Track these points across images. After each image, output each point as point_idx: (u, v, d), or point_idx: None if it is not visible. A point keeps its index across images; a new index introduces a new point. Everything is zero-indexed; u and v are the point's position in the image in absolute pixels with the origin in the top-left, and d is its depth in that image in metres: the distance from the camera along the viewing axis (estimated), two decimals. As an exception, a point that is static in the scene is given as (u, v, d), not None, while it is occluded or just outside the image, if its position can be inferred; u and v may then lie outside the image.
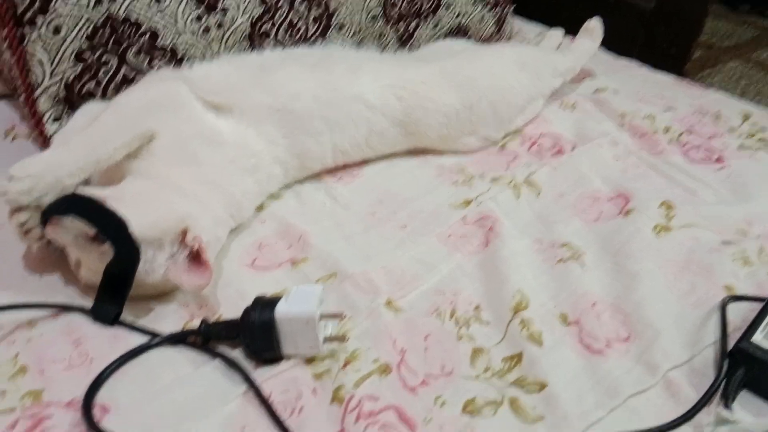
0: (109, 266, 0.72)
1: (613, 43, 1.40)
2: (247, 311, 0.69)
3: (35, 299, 0.75)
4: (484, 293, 0.80)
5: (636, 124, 1.14)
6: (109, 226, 0.71)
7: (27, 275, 0.79)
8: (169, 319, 0.75)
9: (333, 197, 0.98)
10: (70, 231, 0.72)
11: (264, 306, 0.68)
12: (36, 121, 0.91)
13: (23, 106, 0.95)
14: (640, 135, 1.12)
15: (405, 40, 1.27)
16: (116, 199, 0.74)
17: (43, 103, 0.90)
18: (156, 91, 0.90)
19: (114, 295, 0.73)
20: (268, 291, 0.78)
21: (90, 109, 0.90)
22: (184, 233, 0.75)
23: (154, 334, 0.72)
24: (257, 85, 0.95)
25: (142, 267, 0.73)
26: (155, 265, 0.74)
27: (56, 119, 0.93)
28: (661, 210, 0.92)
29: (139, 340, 0.71)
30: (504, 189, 0.99)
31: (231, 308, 0.76)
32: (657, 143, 1.08)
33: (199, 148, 0.87)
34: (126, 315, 0.74)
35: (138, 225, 0.72)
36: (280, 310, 0.67)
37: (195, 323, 0.73)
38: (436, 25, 1.30)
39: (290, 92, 0.96)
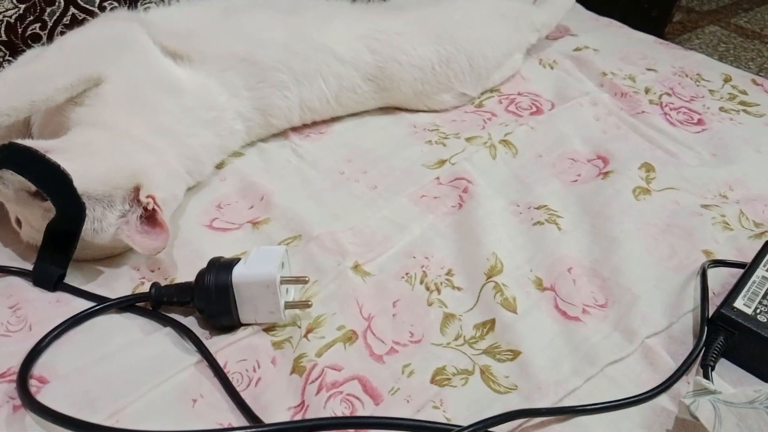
0: (51, 224, 0.66)
1: (595, 2, 1.35)
2: (202, 274, 0.64)
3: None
4: (457, 257, 0.75)
5: (617, 83, 1.10)
6: (50, 182, 0.64)
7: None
8: (118, 282, 0.70)
9: (299, 155, 0.93)
10: (8, 185, 0.66)
11: (220, 268, 0.63)
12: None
13: None
14: (621, 95, 1.08)
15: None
16: (61, 150, 0.68)
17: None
18: (107, 30, 0.83)
19: (57, 256, 0.68)
20: (227, 253, 0.73)
21: (35, 54, 0.83)
22: (137, 190, 0.70)
23: (100, 299, 0.66)
24: (221, 30, 0.89)
25: (89, 226, 0.67)
26: (104, 225, 0.68)
27: (-3, 65, 0.86)
28: (641, 172, 0.89)
29: (85, 305, 0.66)
30: (480, 149, 0.94)
31: (186, 271, 0.71)
32: (638, 104, 1.04)
33: (154, 95, 0.81)
34: (71, 278, 0.69)
35: (84, 179, 0.66)
36: (238, 273, 0.62)
37: (146, 287, 0.68)
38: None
39: (256, 40, 0.90)
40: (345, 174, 0.89)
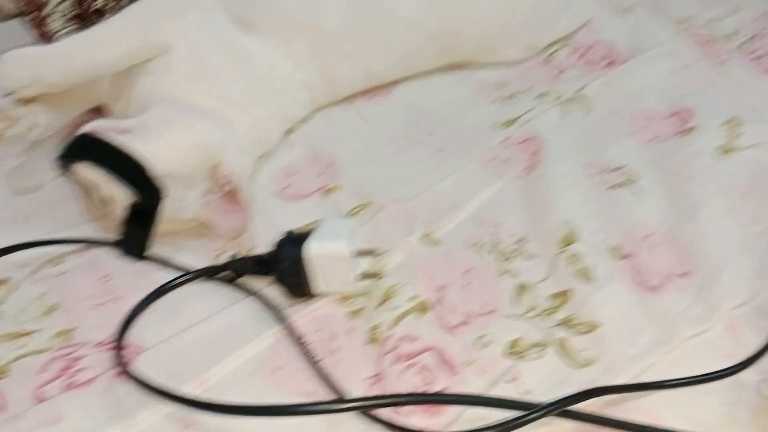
0: (132, 206, 0.68)
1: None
2: (278, 246, 0.65)
3: (59, 234, 0.72)
4: (528, 223, 0.74)
5: (696, 32, 1.03)
6: (127, 172, 0.66)
7: (48, 208, 0.76)
8: (198, 252, 0.72)
9: (364, 118, 0.92)
10: (91, 174, 0.68)
11: (293, 241, 0.65)
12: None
13: (32, 26, 0.89)
14: (701, 44, 1.01)
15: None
16: (139, 132, 0.69)
17: (54, 22, 0.84)
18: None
19: (140, 230, 0.70)
20: (300, 221, 0.75)
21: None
22: (215, 168, 0.71)
23: (182, 270, 0.68)
24: None
25: (171, 205, 0.69)
26: (186, 204, 0.70)
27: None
28: (723, 129, 0.84)
29: (167, 276, 0.68)
30: (551, 106, 0.91)
31: (263, 242, 0.72)
32: (719, 53, 0.98)
33: (222, 63, 0.81)
34: (153, 249, 0.71)
35: (165, 162, 0.68)
36: (309, 247, 0.63)
37: (224, 259, 0.70)
38: None
39: (317, 6, 0.88)
40: (410, 137, 0.88)
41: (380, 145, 0.87)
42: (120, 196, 0.68)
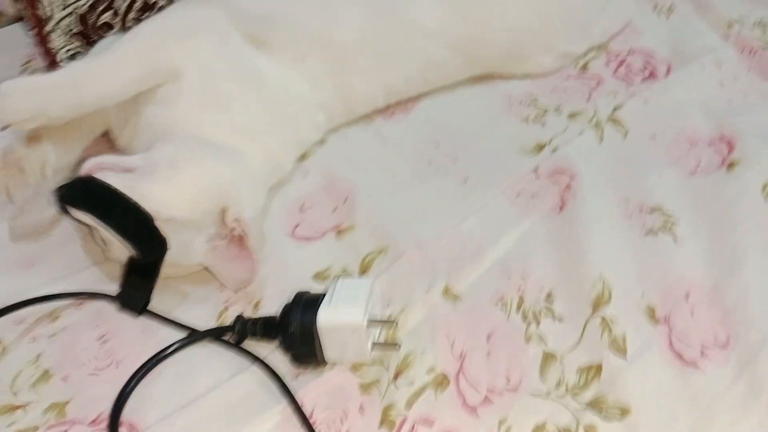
0: (132, 258, 0.64)
1: None
2: (287, 312, 0.61)
3: (61, 280, 0.69)
4: (558, 274, 0.69)
5: (745, 35, 0.95)
6: (129, 223, 0.62)
7: (52, 251, 0.72)
8: (203, 307, 0.67)
9: (383, 138, 0.86)
10: (89, 221, 0.64)
11: (305, 308, 0.60)
12: (50, 61, 0.80)
13: (35, 43, 0.83)
14: (750, 51, 0.93)
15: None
16: (146, 171, 0.65)
17: (56, 39, 0.78)
18: (183, 18, 0.76)
19: (141, 283, 0.66)
20: (312, 266, 0.70)
21: (108, 44, 0.78)
22: (224, 212, 0.66)
23: (185, 329, 0.65)
24: (298, 7, 0.81)
25: (177, 251, 0.65)
26: (192, 249, 0.66)
27: (72, 57, 0.81)
28: (773, 161, 0.77)
29: (170, 334, 0.64)
30: (584, 129, 0.85)
31: (272, 292, 0.68)
32: (772, 62, 0.90)
33: (234, 89, 0.75)
34: (155, 299, 0.67)
35: (172, 207, 0.64)
36: (324, 316, 0.59)
37: (231, 312, 0.66)
38: None
39: (332, 19, 0.81)
40: (432, 164, 0.82)
41: (401, 172, 0.81)
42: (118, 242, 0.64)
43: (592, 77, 0.93)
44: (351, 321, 0.58)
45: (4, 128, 0.73)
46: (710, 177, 0.77)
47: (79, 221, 0.65)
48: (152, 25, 0.75)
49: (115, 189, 0.61)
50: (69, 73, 0.70)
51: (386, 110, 0.89)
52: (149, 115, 0.72)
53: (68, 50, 0.80)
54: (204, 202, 0.65)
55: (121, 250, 0.65)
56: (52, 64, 0.80)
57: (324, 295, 0.61)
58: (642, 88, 0.89)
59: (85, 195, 0.63)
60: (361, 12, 0.82)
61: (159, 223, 0.63)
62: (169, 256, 0.64)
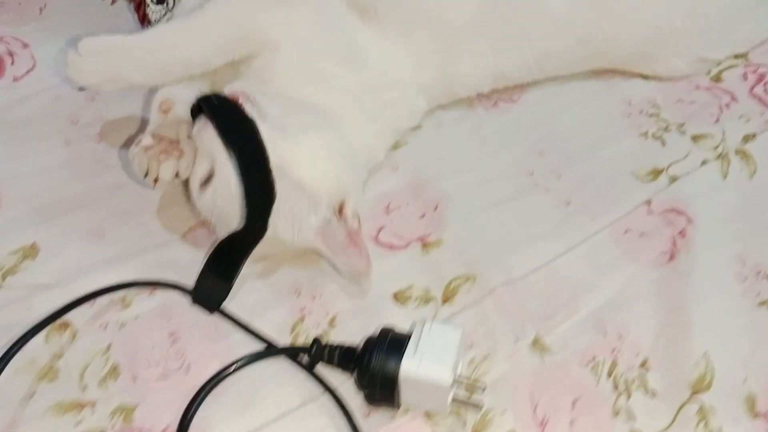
0: (225, 241, 0.61)
1: None
2: (369, 348, 0.57)
3: (128, 258, 0.66)
4: (658, 340, 0.63)
5: None
6: (251, 167, 0.59)
7: (117, 223, 0.69)
8: (277, 311, 0.64)
9: (481, 136, 0.79)
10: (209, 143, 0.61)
11: (390, 349, 0.56)
12: (137, 3, 0.72)
13: (133, 7, 0.76)
14: None
15: None
16: (278, 127, 0.61)
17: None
18: None
19: (219, 278, 0.62)
20: (394, 281, 0.67)
21: (196, 3, 0.70)
22: (343, 204, 0.62)
23: (259, 339, 0.62)
24: None
25: (290, 222, 0.61)
26: (303, 226, 0.61)
27: (160, 1, 0.74)
28: None
29: (242, 338, 0.62)
30: (708, 158, 0.76)
31: (349, 307, 0.64)
32: None
33: (332, 70, 0.68)
34: (229, 297, 0.63)
35: (301, 167, 0.61)
36: (409, 367, 0.55)
37: (307, 324, 0.63)
38: None
39: None
40: (534, 176, 0.75)
41: (497, 181, 0.75)
42: (222, 182, 0.61)
43: (725, 92, 0.82)
44: (437, 379, 0.55)
45: (82, 89, 0.67)
46: (843, 244, 0.69)
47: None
48: None
49: (258, 130, 0.58)
50: (151, 35, 0.65)
51: (490, 97, 0.81)
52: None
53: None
54: (329, 179, 0.62)
55: (222, 196, 0.61)
56: (138, 7, 0.72)
57: (410, 337, 0.57)
58: (780, 115, 0.79)
59: (229, 114, 0.59)
60: None
61: (281, 184, 0.59)
62: (279, 228, 0.61)
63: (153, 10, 0.73)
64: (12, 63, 0.77)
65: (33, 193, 0.70)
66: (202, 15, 0.64)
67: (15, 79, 0.76)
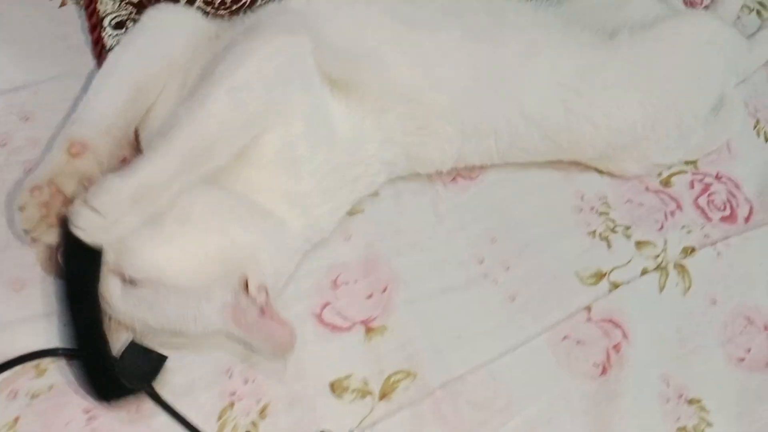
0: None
1: None
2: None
3: (48, 315, 0.60)
4: (581, 458, 0.65)
5: None
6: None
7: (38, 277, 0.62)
8: (208, 392, 0.61)
9: (438, 213, 0.77)
10: None
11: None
12: (92, 25, 0.65)
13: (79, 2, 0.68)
14: None
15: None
16: (152, 225, 0.56)
17: (105, 3, 0.63)
18: (278, 58, 0.62)
19: (145, 354, 0.58)
20: (332, 368, 0.65)
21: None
22: (245, 281, 0.59)
23: (184, 425, 0.58)
24: (395, 53, 0.69)
25: (180, 317, 0.57)
26: (200, 318, 0.58)
27: (119, 25, 0.66)
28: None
29: (163, 423, 0.58)
30: (648, 268, 0.78)
31: (284, 390, 0.62)
32: None
33: (306, 154, 0.65)
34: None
35: (170, 271, 0.57)
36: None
37: (236, 410, 0.61)
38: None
39: (431, 76, 0.70)
40: (484, 264, 0.75)
41: (449, 265, 0.74)
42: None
43: (672, 199, 0.85)
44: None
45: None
46: (755, 375, 0.74)
47: None
48: (249, 74, 0.60)
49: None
50: (158, 163, 0.57)
51: (450, 171, 0.79)
52: None
53: (115, 17, 0.64)
54: (209, 269, 0.58)
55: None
56: (93, 29, 0.65)
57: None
58: (718, 232, 0.83)
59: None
60: (469, 73, 0.71)
61: (160, 287, 0.56)
62: (173, 327, 0.58)
63: (110, 34, 0.66)
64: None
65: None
66: (216, 123, 0.58)
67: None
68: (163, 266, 0.56)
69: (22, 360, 0.56)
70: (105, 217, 0.53)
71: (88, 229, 0.53)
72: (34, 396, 0.57)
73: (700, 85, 0.82)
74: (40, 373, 0.58)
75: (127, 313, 0.56)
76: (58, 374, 0.58)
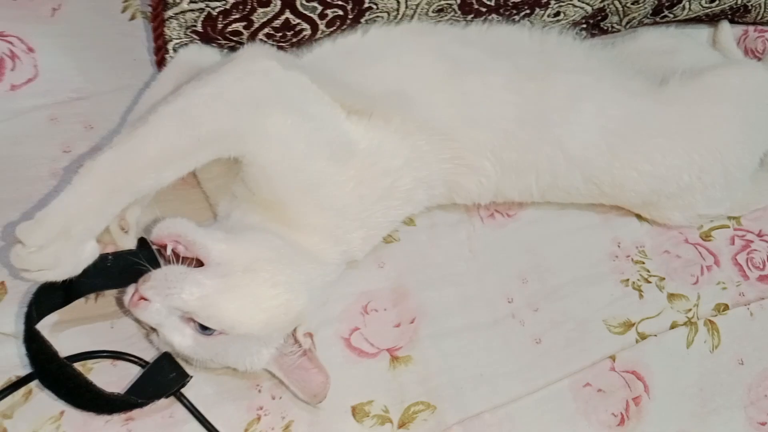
0: None
1: None
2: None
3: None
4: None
5: None
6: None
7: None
8: (236, 404, 0.64)
9: (472, 249, 0.79)
10: None
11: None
12: (157, 47, 0.69)
13: (148, 18, 0.71)
14: None
15: (659, 9, 0.90)
16: (221, 275, 0.58)
17: (172, 30, 0.67)
18: (256, 83, 0.61)
19: (176, 366, 0.62)
20: (355, 392, 0.67)
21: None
22: (294, 330, 0.62)
23: (211, 430, 0.62)
24: (431, 85, 0.70)
25: (239, 358, 0.61)
26: (257, 359, 0.61)
27: (182, 51, 0.70)
28: None
29: (193, 429, 0.62)
30: (678, 321, 0.79)
31: (308, 416, 0.65)
32: None
33: (321, 170, 0.65)
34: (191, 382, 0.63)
35: (251, 325, 0.59)
36: None
37: (262, 425, 0.64)
38: (712, 0, 0.92)
39: (474, 116, 0.71)
40: (513, 304, 0.76)
41: (477, 302, 0.75)
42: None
43: (710, 254, 0.85)
44: None
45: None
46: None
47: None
48: (212, 86, 0.60)
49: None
50: (101, 183, 0.56)
51: (488, 206, 0.81)
52: (237, 189, 0.65)
53: (179, 43, 0.68)
54: (277, 321, 0.60)
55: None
56: (159, 50, 0.68)
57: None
58: (754, 291, 0.82)
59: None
60: (513, 114, 0.72)
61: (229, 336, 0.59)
62: (231, 363, 0.61)
63: (173, 57, 0.69)
64: (12, 68, 0.71)
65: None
66: (162, 126, 0.57)
67: (12, 87, 0.71)
68: (240, 320, 0.58)
69: (73, 358, 0.60)
70: (27, 246, 0.53)
71: (18, 259, 0.53)
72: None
73: (747, 137, 0.81)
74: (87, 371, 0.62)
75: (192, 358, 0.60)
76: (102, 375, 0.62)
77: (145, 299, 0.56)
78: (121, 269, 0.58)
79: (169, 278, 0.57)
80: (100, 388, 0.58)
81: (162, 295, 0.56)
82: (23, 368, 0.60)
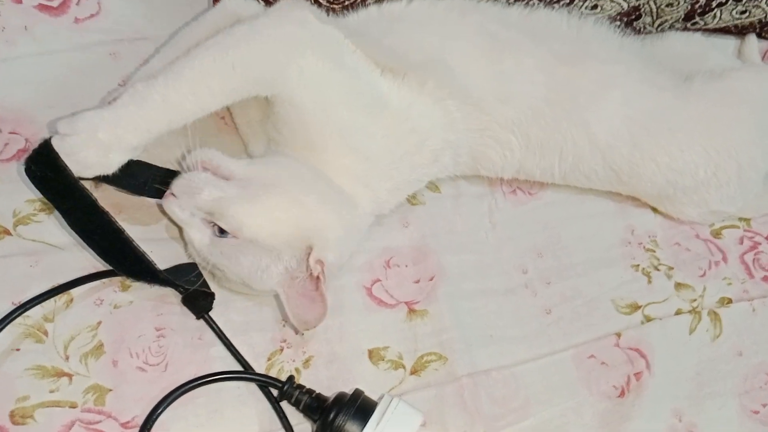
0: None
1: None
2: (338, 407, 0.61)
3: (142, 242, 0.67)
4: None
5: None
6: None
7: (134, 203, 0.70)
8: (261, 335, 0.68)
9: (493, 221, 0.82)
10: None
11: (357, 413, 0.61)
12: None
13: None
14: None
15: (691, 15, 0.94)
16: (240, 186, 0.63)
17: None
18: (293, 30, 0.66)
19: (207, 291, 0.66)
20: (372, 337, 0.71)
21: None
22: (309, 250, 0.65)
23: (237, 358, 0.65)
24: (469, 58, 0.74)
25: (251, 272, 0.64)
26: (266, 275, 0.64)
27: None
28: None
29: (220, 353, 0.65)
30: (683, 309, 0.82)
31: (326, 351, 0.69)
32: None
33: (353, 119, 0.68)
34: (220, 309, 0.67)
35: (257, 229, 0.62)
36: (369, 434, 0.60)
37: (284, 356, 0.67)
38: (743, 12, 0.96)
39: (505, 90, 0.75)
40: (527, 275, 0.80)
41: (493, 270, 0.79)
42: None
43: (719, 250, 0.88)
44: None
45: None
46: (766, 430, 0.76)
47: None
48: (250, 27, 0.65)
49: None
50: (144, 100, 0.61)
51: (511, 183, 0.85)
52: (270, 128, 0.69)
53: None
54: (285, 232, 0.63)
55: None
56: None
57: (377, 405, 0.62)
58: (758, 290, 0.85)
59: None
60: (544, 93, 0.76)
61: (240, 241, 0.62)
62: (245, 275, 0.64)
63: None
64: (78, 3, 0.76)
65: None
66: (200, 63, 0.62)
67: (76, 21, 0.75)
68: (248, 223, 0.62)
69: (108, 274, 0.64)
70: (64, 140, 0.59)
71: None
72: (116, 307, 0.65)
73: (762, 140, 0.84)
74: (125, 288, 0.66)
75: (209, 259, 0.63)
76: (140, 291, 0.66)
77: (174, 196, 0.62)
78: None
79: (195, 180, 0.62)
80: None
81: (187, 194, 0.61)
82: (64, 277, 0.64)
